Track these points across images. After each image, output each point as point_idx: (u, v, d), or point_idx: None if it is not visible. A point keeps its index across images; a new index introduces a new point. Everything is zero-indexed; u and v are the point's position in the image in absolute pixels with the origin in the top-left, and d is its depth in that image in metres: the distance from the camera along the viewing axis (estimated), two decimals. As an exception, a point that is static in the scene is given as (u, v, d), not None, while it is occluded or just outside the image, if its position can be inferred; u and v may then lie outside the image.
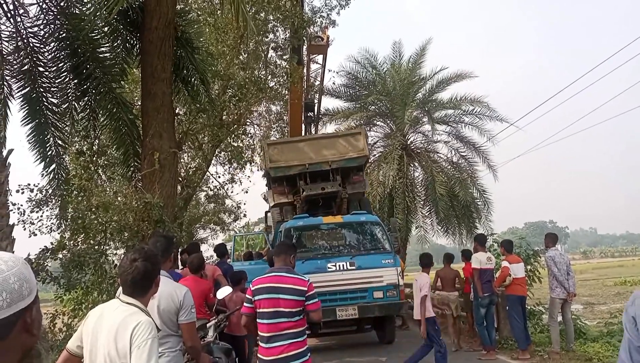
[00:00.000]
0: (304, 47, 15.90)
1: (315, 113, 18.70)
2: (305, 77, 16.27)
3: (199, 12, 13.51)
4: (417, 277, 7.67)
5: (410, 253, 22.87)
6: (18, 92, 9.03)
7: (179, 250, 8.44)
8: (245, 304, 4.28)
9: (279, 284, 4.12)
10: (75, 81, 9.26)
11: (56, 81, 9.32)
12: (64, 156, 9.82)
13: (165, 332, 3.58)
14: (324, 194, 11.40)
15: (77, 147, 10.72)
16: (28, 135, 9.11)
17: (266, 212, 14.39)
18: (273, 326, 4.05)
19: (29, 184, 8.38)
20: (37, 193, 8.55)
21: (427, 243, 20.98)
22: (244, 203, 20.01)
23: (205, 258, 7.30)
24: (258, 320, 4.16)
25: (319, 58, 17.36)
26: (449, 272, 10.42)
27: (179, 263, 8.05)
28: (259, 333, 4.17)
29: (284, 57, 15.52)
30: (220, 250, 9.05)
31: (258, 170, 17.75)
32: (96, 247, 8.18)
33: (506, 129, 19.95)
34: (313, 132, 18.72)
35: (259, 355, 4.14)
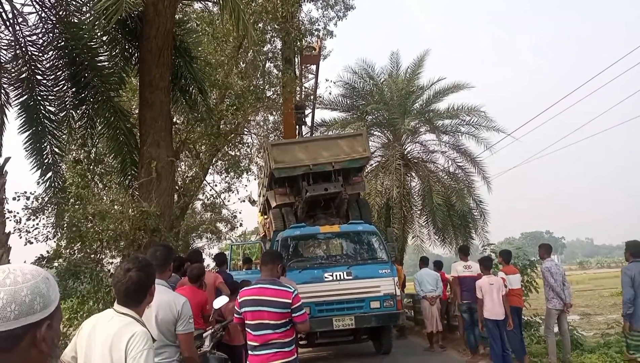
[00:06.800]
0: (296, 59, 15.95)
1: (305, 117, 18.62)
2: (298, 87, 16.31)
3: (197, 22, 13.56)
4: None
5: (407, 262, 22.78)
6: (15, 99, 9.04)
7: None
8: (235, 315, 4.33)
9: (263, 297, 4.09)
10: (73, 89, 9.26)
11: (54, 89, 9.34)
12: (60, 164, 9.81)
13: (163, 342, 3.56)
14: (327, 195, 11.43)
15: (74, 155, 10.72)
16: (25, 143, 9.10)
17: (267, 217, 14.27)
18: (259, 337, 4.07)
19: (26, 192, 8.36)
20: (33, 201, 8.52)
21: (424, 253, 20.95)
22: (240, 212, 19.98)
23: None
24: (246, 330, 4.19)
25: (313, 68, 17.39)
26: None
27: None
28: (248, 341, 4.20)
29: (280, 67, 15.59)
30: (220, 259, 9.06)
31: (255, 179, 17.72)
32: (92, 256, 8.16)
33: (503, 139, 20.02)
34: (306, 134, 18.69)
35: (248, 362, 4.16)
